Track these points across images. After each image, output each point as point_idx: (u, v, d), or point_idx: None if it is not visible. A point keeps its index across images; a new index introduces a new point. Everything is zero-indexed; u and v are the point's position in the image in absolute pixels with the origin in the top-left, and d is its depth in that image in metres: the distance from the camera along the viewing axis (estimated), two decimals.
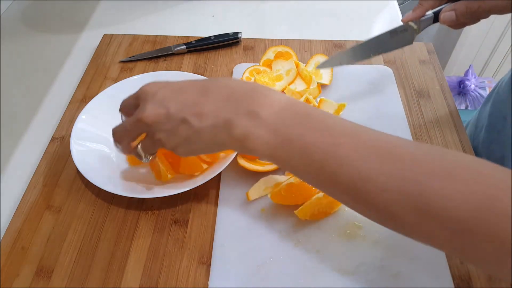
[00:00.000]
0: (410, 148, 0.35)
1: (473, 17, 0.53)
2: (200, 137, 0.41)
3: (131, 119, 0.44)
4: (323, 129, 0.37)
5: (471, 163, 0.33)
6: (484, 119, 0.67)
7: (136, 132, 0.45)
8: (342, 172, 0.35)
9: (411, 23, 0.56)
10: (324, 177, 0.37)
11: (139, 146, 0.47)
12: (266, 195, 0.54)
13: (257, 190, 0.54)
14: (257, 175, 0.56)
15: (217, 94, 0.41)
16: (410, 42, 0.57)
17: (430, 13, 0.56)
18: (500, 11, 0.51)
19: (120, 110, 0.48)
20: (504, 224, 0.29)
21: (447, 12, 0.53)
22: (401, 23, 0.57)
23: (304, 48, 0.77)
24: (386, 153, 0.35)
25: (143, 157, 0.47)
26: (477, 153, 0.60)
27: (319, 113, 0.39)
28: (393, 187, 0.33)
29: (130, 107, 0.46)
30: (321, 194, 0.51)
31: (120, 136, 0.47)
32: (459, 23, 0.54)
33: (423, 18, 0.56)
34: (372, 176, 0.34)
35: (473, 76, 1.71)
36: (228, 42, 0.76)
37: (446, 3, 0.54)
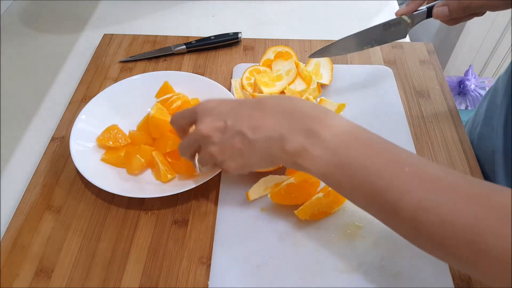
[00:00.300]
0: (468, 183, 0.35)
1: (466, 12, 0.53)
2: (253, 149, 0.42)
3: (191, 133, 0.46)
4: (386, 157, 0.37)
5: None
6: (481, 114, 0.67)
7: (193, 145, 0.46)
8: (403, 201, 0.35)
9: (405, 17, 0.56)
10: (383, 205, 0.37)
11: (196, 157, 0.47)
12: (266, 195, 0.54)
13: (257, 190, 0.54)
14: (257, 175, 0.56)
15: (276, 109, 0.41)
16: (403, 35, 0.58)
17: (423, 8, 0.56)
18: (493, 7, 0.51)
19: (171, 122, 0.49)
20: None
21: (440, 7, 0.53)
22: (395, 16, 0.57)
23: (304, 48, 0.77)
24: (445, 186, 0.35)
25: (197, 168, 0.48)
26: (473, 149, 0.60)
27: (381, 140, 0.39)
28: (449, 220, 0.33)
29: (184, 118, 0.48)
30: (321, 194, 0.51)
31: (182, 150, 0.48)
32: (453, 19, 0.54)
33: (417, 12, 0.56)
34: (429, 208, 0.34)
35: (473, 76, 1.71)
36: (228, 42, 0.76)
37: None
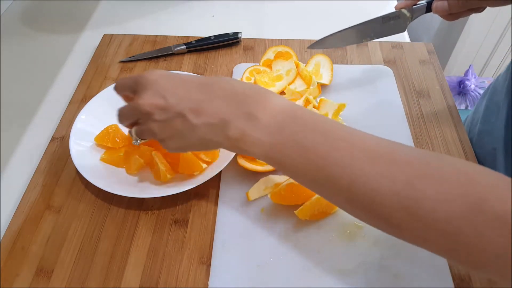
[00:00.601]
0: (404, 152, 0.36)
1: (465, 7, 0.52)
2: (194, 133, 0.42)
3: (130, 105, 0.45)
4: (320, 134, 0.38)
5: (464, 167, 0.33)
6: (480, 112, 0.67)
7: (132, 117, 0.45)
8: (337, 175, 0.36)
9: (404, 10, 0.56)
10: (320, 180, 0.38)
11: (133, 129, 0.47)
12: (266, 195, 0.54)
13: (257, 190, 0.54)
14: (257, 175, 0.56)
15: (218, 93, 0.41)
16: (402, 29, 0.58)
17: (423, 2, 0.56)
18: (492, 3, 0.51)
19: (115, 88, 0.48)
20: (492, 225, 0.29)
21: (440, 1, 0.53)
22: (394, 10, 0.57)
23: (304, 48, 0.77)
24: (379, 156, 0.35)
25: (134, 140, 0.48)
26: (472, 146, 0.60)
27: (316, 117, 0.39)
28: (384, 188, 0.34)
29: (125, 88, 0.46)
30: None
31: (120, 119, 0.47)
32: (452, 14, 0.54)
33: (416, 6, 0.56)
34: (364, 178, 0.35)
35: (473, 76, 1.71)
36: (228, 42, 0.76)
37: None
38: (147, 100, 0.42)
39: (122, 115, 0.47)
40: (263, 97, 0.41)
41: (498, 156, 0.60)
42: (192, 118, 0.41)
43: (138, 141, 0.48)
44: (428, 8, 0.56)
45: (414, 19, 0.57)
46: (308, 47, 0.64)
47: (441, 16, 0.55)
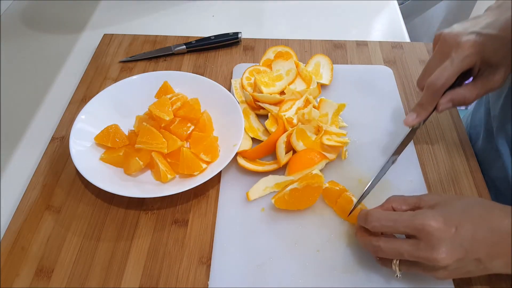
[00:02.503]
0: None
1: (470, 104, 0.52)
2: (484, 271, 0.41)
3: (414, 251, 0.41)
4: None
5: None
6: (480, 127, 0.65)
7: (412, 259, 0.42)
8: None
9: (415, 125, 0.54)
10: None
11: (397, 263, 0.44)
12: (266, 195, 0.54)
13: (257, 190, 0.54)
14: (257, 175, 0.56)
15: (504, 228, 0.40)
16: (413, 136, 0.56)
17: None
18: (494, 90, 0.51)
19: (373, 228, 0.44)
20: None
21: (445, 103, 0.52)
22: (406, 128, 0.55)
23: (304, 48, 0.77)
24: None
25: (396, 272, 0.45)
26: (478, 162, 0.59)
27: None
28: None
29: (390, 230, 0.43)
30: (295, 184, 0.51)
31: (386, 255, 0.44)
32: None
33: None
34: None
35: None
36: (228, 42, 0.76)
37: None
38: (445, 255, 0.39)
39: (383, 253, 0.43)
40: None
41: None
42: (487, 262, 0.40)
43: (400, 273, 0.45)
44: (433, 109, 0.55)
45: (423, 125, 0.56)
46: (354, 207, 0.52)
47: None
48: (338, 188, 0.53)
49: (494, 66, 0.49)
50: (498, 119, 0.60)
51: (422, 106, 0.53)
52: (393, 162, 0.55)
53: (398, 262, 0.44)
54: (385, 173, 0.54)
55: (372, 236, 0.45)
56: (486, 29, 0.49)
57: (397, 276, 0.45)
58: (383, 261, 0.46)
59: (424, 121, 0.55)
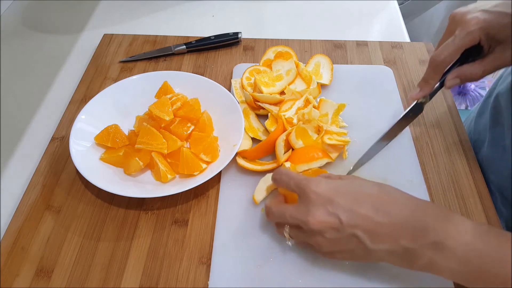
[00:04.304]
0: None
1: (478, 80, 0.52)
2: (369, 255, 0.41)
3: (294, 213, 0.43)
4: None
5: None
6: (485, 132, 0.64)
7: (294, 224, 0.44)
8: None
9: (420, 100, 0.54)
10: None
11: (288, 228, 0.45)
12: (269, 194, 0.54)
13: (260, 191, 0.54)
14: (256, 175, 0.56)
15: (394, 213, 0.40)
16: (421, 111, 0.56)
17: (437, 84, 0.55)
18: (503, 67, 0.51)
19: (274, 179, 0.48)
20: None
21: (452, 80, 0.52)
22: (412, 102, 0.55)
23: (304, 48, 0.77)
24: None
25: (287, 240, 0.47)
26: (482, 169, 0.59)
27: (508, 239, 0.38)
28: None
29: (284, 186, 0.46)
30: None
31: (275, 218, 0.46)
32: None
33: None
34: None
35: None
36: (228, 42, 0.76)
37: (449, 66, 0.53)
38: (318, 218, 0.41)
39: (280, 217, 0.45)
40: (446, 221, 0.39)
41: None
42: (369, 243, 0.40)
43: (292, 243, 0.47)
44: (441, 84, 0.55)
45: (430, 100, 0.57)
46: (348, 173, 0.57)
47: None
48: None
49: (504, 43, 0.49)
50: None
51: (425, 81, 0.53)
52: (388, 140, 0.55)
53: (288, 229, 0.45)
54: (378, 150, 0.55)
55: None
56: (496, 8, 0.49)
57: (288, 243, 0.47)
58: (278, 228, 0.47)
59: (431, 97, 0.55)
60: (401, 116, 0.56)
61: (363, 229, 0.40)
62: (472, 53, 0.50)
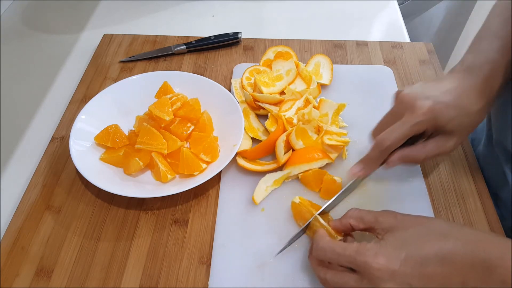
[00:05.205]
0: None
1: (418, 164, 0.52)
2: None
3: (359, 286, 0.40)
4: None
5: None
6: (481, 131, 0.65)
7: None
8: None
9: (359, 178, 0.53)
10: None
11: (330, 276, 0.43)
12: (268, 194, 0.54)
13: (260, 192, 0.54)
14: (256, 175, 0.56)
15: (459, 261, 0.38)
16: (355, 187, 0.55)
17: None
18: (444, 155, 0.50)
19: (312, 259, 0.45)
20: None
21: (395, 161, 0.50)
22: (352, 177, 0.53)
23: (304, 48, 0.77)
24: None
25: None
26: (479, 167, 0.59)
27: None
28: None
29: (334, 261, 0.43)
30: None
31: (333, 283, 0.43)
32: None
33: None
34: None
35: None
36: (228, 42, 0.76)
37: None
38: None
39: (332, 285, 0.43)
40: (504, 249, 0.38)
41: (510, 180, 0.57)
42: None
43: None
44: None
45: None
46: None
47: None
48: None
49: (448, 133, 0.49)
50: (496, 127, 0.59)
51: (369, 161, 0.52)
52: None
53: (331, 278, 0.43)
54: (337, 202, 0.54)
55: (321, 265, 0.45)
56: (444, 96, 0.48)
57: None
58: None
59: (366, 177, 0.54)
60: (341, 191, 0.54)
61: (437, 283, 0.39)
62: (414, 136, 0.50)
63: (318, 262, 0.45)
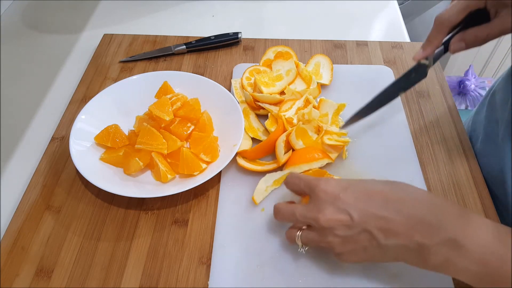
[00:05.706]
0: None
1: (483, 43, 0.51)
2: (382, 252, 0.40)
3: (304, 212, 0.43)
4: None
5: None
6: (480, 128, 0.65)
7: (304, 225, 0.44)
8: None
9: (423, 61, 0.54)
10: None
11: (299, 234, 0.45)
12: (268, 194, 0.54)
13: (260, 192, 0.54)
14: (256, 175, 0.56)
15: (407, 211, 0.39)
16: (424, 76, 0.56)
17: (440, 46, 0.54)
18: (509, 32, 0.50)
19: (285, 183, 0.48)
20: None
21: (457, 43, 0.52)
22: (414, 62, 0.55)
23: (304, 48, 0.77)
24: None
25: (300, 247, 0.46)
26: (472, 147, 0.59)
27: None
28: None
29: (296, 189, 0.46)
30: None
31: (284, 217, 0.46)
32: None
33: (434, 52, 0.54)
34: None
35: (473, 76, 1.71)
36: (228, 42, 0.76)
37: (453, 31, 0.52)
38: (329, 216, 0.41)
39: (289, 217, 0.46)
40: (462, 219, 0.38)
41: (507, 178, 0.56)
42: (381, 238, 0.39)
43: (304, 249, 0.46)
44: (445, 49, 0.54)
45: (434, 64, 0.56)
46: (341, 128, 0.60)
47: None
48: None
49: (510, 7, 0.48)
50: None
51: (428, 41, 0.53)
52: (387, 100, 0.56)
53: (300, 234, 0.45)
54: (375, 110, 0.56)
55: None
56: None
57: (300, 250, 0.46)
58: (289, 237, 0.47)
59: (434, 61, 0.55)
60: (403, 74, 0.55)
61: (376, 226, 0.40)
62: (477, 19, 0.50)
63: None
